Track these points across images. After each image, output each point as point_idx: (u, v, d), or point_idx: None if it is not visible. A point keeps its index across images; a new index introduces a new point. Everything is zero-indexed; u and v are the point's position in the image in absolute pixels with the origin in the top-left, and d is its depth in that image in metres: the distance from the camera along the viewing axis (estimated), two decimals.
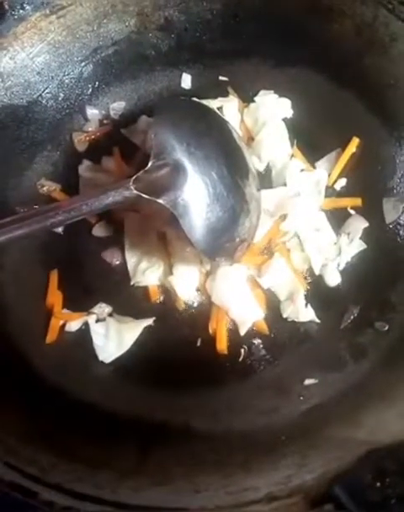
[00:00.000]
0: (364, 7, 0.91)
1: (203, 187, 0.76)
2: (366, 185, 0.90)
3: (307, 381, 0.77)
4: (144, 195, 0.71)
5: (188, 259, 0.89)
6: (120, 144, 1.01)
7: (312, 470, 0.60)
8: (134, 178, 0.72)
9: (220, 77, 1.04)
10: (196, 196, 0.75)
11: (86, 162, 1.00)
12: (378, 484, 0.53)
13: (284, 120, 0.99)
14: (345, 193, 0.93)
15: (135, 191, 0.71)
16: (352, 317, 0.82)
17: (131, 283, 0.90)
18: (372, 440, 0.61)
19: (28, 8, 0.94)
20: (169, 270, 0.89)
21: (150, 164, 0.74)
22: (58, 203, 0.77)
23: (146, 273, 0.90)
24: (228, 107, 1.00)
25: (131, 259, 0.92)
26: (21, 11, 0.94)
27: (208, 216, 0.76)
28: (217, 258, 0.82)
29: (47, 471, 0.63)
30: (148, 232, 0.93)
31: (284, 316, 0.85)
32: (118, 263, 0.93)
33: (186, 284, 0.88)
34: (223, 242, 0.80)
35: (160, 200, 0.72)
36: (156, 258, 0.91)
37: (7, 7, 0.93)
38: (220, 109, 0.99)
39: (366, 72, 0.93)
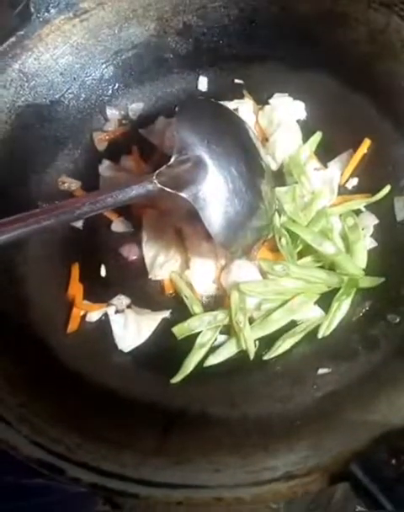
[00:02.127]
0: (376, 14, 0.94)
1: (222, 182, 0.79)
2: (377, 185, 0.93)
3: (321, 371, 0.79)
4: (167, 189, 0.74)
5: (204, 254, 0.91)
6: (138, 144, 1.05)
7: (329, 451, 0.62)
8: (157, 172, 0.75)
9: (236, 80, 1.08)
10: (216, 190, 0.78)
11: (106, 162, 1.03)
12: (393, 461, 0.55)
13: (298, 121, 1.03)
14: (357, 192, 0.96)
15: (158, 185, 0.74)
16: (364, 310, 0.85)
17: (149, 276, 0.93)
18: (386, 423, 0.63)
19: (52, 11, 0.98)
20: (186, 265, 0.92)
21: (173, 159, 0.77)
22: (85, 195, 0.80)
23: (164, 267, 0.92)
24: (243, 109, 1.03)
25: (149, 254, 0.95)
26: (46, 14, 0.97)
27: (227, 210, 0.79)
28: (234, 251, 0.85)
29: (73, 450, 0.65)
30: (165, 228, 0.96)
31: None
32: (135, 258, 0.96)
33: (202, 277, 0.91)
34: (240, 237, 0.83)
35: (182, 194, 0.75)
36: (173, 252, 0.94)
37: (32, 9, 0.97)
38: (235, 110, 1.03)
39: (378, 76, 0.96)
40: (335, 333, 0.83)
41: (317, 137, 0.99)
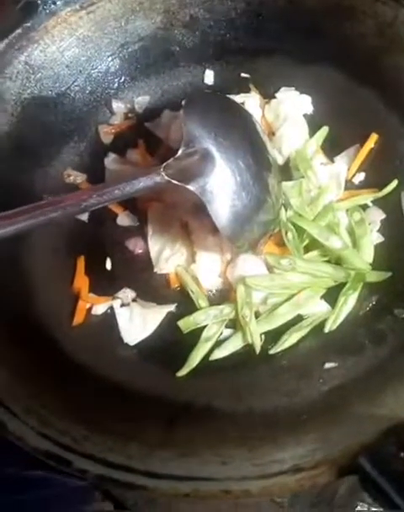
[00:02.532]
0: (385, 7, 0.94)
1: (230, 175, 0.79)
2: (384, 179, 0.92)
3: (327, 365, 0.79)
4: (174, 181, 0.74)
5: (210, 248, 0.91)
6: (144, 137, 1.04)
7: (336, 444, 0.62)
8: (164, 164, 0.75)
9: (242, 74, 1.07)
10: (223, 183, 0.78)
11: (111, 155, 1.03)
12: (402, 454, 0.55)
13: (305, 115, 1.02)
14: (363, 187, 0.96)
15: (165, 177, 0.74)
16: (371, 305, 0.85)
17: (154, 270, 0.92)
18: (393, 416, 0.63)
19: (59, 3, 0.97)
20: (192, 258, 0.92)
21: (180, 152, 0.77)
22: (91, 188, 0.79)
23: (169, 261, 0.92)
24: (250, 103, 1.03)
25: (154, 247, 0.95)
26: (52, 6, 0.97)
27: (234, 203, 0.78)
28: (240, 245, 0.85)
29: (80, 442, 0.65)
30: (171, 222, 0.95)
31: None
32: (141, 251, 0.95)
33: (208, 271, 0.91)
34: (247, 230, 0.83)
35: (189, 187, 0.75)
36: (178, 246, 0.93)
37: (39, 1, 0.97)
38: (242, 104, 1.02)
39: (386, 70, 0.96)
40: (341, 328, 0.83)
41: (324, 132, 0.99)
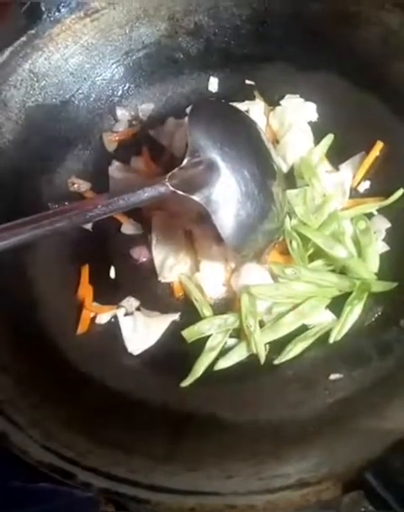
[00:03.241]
0: (390, 14, 0.93)
1: (235, 184, 0.78)
2: (390, 188, 0.92)
3: (333, 376, 0.78)
4: (179, 192, 0.74)
5: (214, 257, 0.91)
6: (148, 145, 1.04)
7: (342, 458, 0.62)
8: (169, 174, 0.75)
9: (247, 81, 1.07)
10: (228, 193, 0.78)
11: (115, 163, 1.03)
12: None
13: (310, 123, 1.01)
14: (369, 195, 0.95)
15: (170, 187, 0.73)
16: (376, 315, 0.84)
17: (158, 279, 0.92)
18: (399, 430, 0.63)
19: (63, 10, 0.97)
20: (196, 267, 0.92)
21: (185, 161, 0.76)
22: (96, 197, 0.79)
23: (173, 269, 0.92)
24: (254, 110, 1.03)
25: (158, 256, 0.94)
26: (57, 13, 0.97)
27: (239, 213, 0.78)
28: (245, 254, 0.84)
29: (84, 455, 0.65)
30: (175, 230, 0.95)
31: None
32: (145, 260, 0.95)
33: (212, 280, 0.90)
34: (252, 240, 0.82)
35: (194, 197, 0.74)
36: (182, 255, 0.93)
37: (43, 9, 0.97)
38: (246, 112, 1.02)
39: (391, 78, 0.96)
40: (347, 338, 0.82)
41: (329, 140, 0.98)
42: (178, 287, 0.92)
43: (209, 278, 0.90)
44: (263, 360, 0.82)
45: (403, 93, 0.95)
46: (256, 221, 0.81)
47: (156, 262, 0.94)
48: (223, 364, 0.83)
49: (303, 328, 0.85)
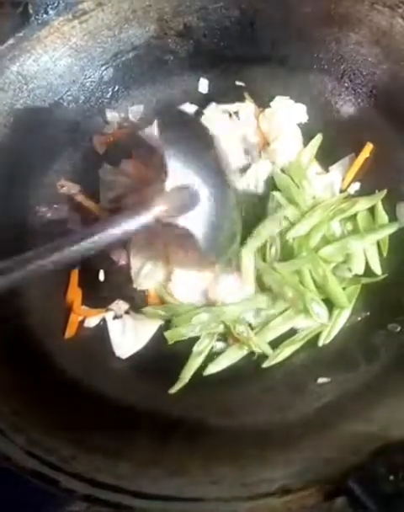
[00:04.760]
0: (380, 16, 0.93)
1: (211, 201, 0.79)
2: (379, 189, 0.92)
3: (320, 380, 0.78)
4: (165, 221, 0.74)
5: (187, 266, 0.90)
6: (138, 146, 1.03)
7: (326, 463, 0.61)
8: (153, 203, 0.73)
9: (237, 83, 1.06)
10: (205, 211, 0.78)
11: (106, 166, 1.02)
12: (391, 477, 0.54)
13: (299, 125, 1.01)
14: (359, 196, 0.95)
15: (156, 216, 0.73)
16: (364, 319, 0.84)
17: (134, 286, 0.91)
18: (385, 435, 0.62)
19: (51, 12, 0.96)
20: (169, 276, 0.91)
21: (167, 188, 0.75)
22: (82, 233, 0.76)
23: (148, 277, 0.91)
24: (244, 112, 1.02)
25: (136, 264, 0.93)
26: (45, 16, 0.96)
27: (215, 233, 0.79)
28: (223, 265, 0.86)
29: (67, 461, 0.64)
30: (153, 239, 0.93)
31: None
32: (124, 263, 0.94)
33: (185, 290, 0.89)
34: (227, 250, 0.84)
35: (179, 223, 0.75)
36: (158, 263, 0.92)
37: (31, 11, 0.96)
38: (236, 113, 1.02)
39: (381, 79, 0.96)
40: (335, 342, 0.82)
41: (318, 140, 0.98)
42: (154, 295, 0.91)
43: (182, 287, 0.89)
44: (270, 359, 0.82)
45: (393, 95, 0.95)
46: (229, 234, 0.84)
47: (133, 269, 0.93)
48: (213, 369, 0.83)
49: (292, 332, 0.84)
